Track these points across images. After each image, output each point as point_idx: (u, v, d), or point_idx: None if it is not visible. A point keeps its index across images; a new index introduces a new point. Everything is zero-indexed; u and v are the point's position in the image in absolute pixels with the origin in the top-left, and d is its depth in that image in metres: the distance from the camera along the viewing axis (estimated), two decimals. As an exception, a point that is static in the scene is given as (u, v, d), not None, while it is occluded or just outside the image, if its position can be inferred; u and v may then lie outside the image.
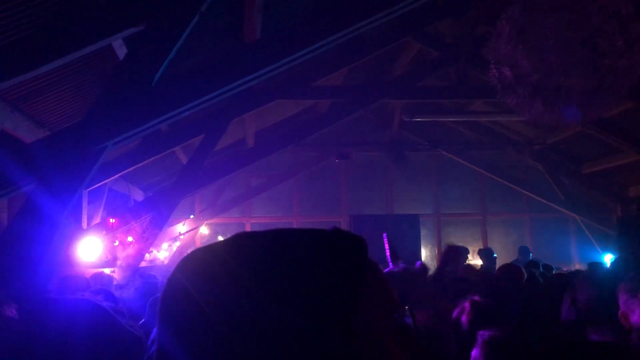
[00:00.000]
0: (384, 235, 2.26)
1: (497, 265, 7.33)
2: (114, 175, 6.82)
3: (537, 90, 4.68)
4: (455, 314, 2.54)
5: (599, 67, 4.74)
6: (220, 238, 11.35)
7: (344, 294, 0.59)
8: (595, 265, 6.29)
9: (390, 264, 2.16)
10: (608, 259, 9.70)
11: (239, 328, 0.57)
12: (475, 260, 9.21)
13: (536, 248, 11.37)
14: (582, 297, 2.74)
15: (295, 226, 11.67)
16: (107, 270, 6.27)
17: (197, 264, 0.64)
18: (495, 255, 7.68)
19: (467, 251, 8.27)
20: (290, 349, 0.56)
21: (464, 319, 2.53)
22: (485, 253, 7.95)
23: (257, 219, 11.76)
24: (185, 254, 0.68)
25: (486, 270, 7.12)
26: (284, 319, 0.57)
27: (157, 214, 7.71)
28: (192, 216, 10.62)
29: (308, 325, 0.57)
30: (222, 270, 0.61)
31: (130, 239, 7.47)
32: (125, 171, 6.93)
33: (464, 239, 11.54)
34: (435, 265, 4.37)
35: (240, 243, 0.65)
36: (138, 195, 8.84)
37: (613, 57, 4.73)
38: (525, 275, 4.05)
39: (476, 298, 2.61)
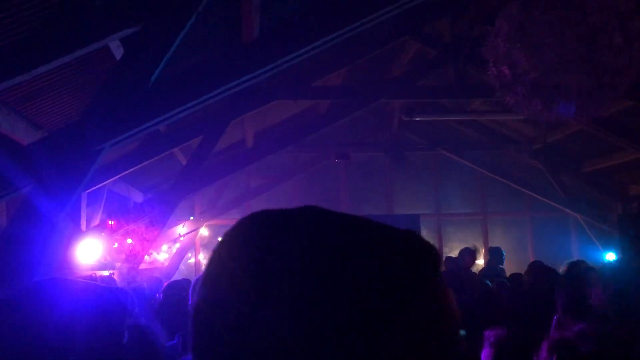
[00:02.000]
0: None
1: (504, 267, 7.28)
2: (113, 177, 6.81)
3: (536, 89, 4.66)
4: None
5: (597, 64, 4.72)
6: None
7: (392, 299, 0.56)
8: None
9: None
10: (609, 257, 9.69)
11: (290, 302, 0.55)
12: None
13: (537, 247, 11.36)
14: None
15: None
16: (105, 273, 6.26)
17: (264, 228, 0.62)
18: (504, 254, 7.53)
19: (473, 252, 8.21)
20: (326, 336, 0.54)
21: None
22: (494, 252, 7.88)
23: (257, 220, 11.73)
24: (253, 213, 0.65)
25: (490, 269, 7.09)
26: (330, 305, 0.55)
27: (156, 215, 7.70)
28: (191, 218, 10.60)
29: (351, 317, 0.55)
30: (288, 240, 0.59)
31: (129, 241, 7.46)
32: (125, 173, 6.92)
33: (464, 238, 11.52)
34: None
35: (313, 218, 0.62)
36: (137, 197, 8.82)
37: (612, 55, 4.71)
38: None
39: None
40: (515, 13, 4.53)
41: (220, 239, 0.65)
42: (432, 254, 0.62)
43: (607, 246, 10.30)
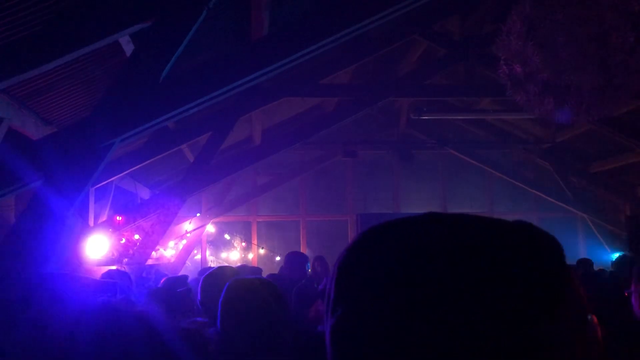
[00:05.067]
0: None
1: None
2: (121, 173, 6.82)
3: (548, 88, 4.63)
4: None
5: (609, 64, 4.69)
6: (227, 237, 11.35)
7: (551, 291, 0.57)
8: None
9: None
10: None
11: (421, 314, 0.54)
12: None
13: (544, 247, 11.30)
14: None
15: (301, 225, 11.68)
16: (114, 269, 6.27)
17: (389, 237, 0.62)
18: None
19: None
20: (480, 342, 0.53)
21: None
22: None
23: (264, 217, 11.76)
24: (372, 227, 0.65)
25: None
26: (476, 312, 0.54)
27: (163, 212, 7.71)
28: (198, 214, 10.62)
29: (506, 321, 0.54)
30: (415, 249, 0.59)
31: (137, 237, 7.47)
32: (132, 169, 6.93)
33: (471, 238, 11.46)
34: None
35: (437, 224, 0.62)
36: (145, 193, 8.84)
37: (624, 54, 4.67)
38: None
39: None
40: (528, 10, 4.50)
41: (345, 253, 0.64)
42: (559, 243, 0.63)
43: (615, 247, 10.24)
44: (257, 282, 2.10)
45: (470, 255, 0.57)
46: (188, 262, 10.59)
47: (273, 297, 2.01)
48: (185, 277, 4.67)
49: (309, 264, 5.50)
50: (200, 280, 2.84)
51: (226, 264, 10.56)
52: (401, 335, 0.55)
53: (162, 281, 4.70)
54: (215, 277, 2.79)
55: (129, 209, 7.64)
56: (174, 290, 3.98)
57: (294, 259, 5.06)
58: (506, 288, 0.55)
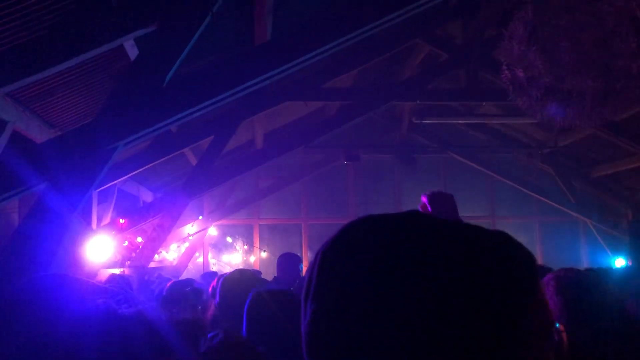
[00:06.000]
0: None
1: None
2: (124, 176, 6.83)
3: (550, 92, 4.64)
4: None
5: (612, 69, 4.70)
6: (229, 239, 11.36)
7: (520, 298, 0.60)
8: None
9: None
10: (619, 263, 9.61)
11: (396, 310, 0.57)
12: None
13: (546, 252, 11.30)
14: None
15: (303, 228, 11.69)
16: (116, 271, 6.28)
17: (371, 232, 0.65)
18: None
19: None
20: (451, 343, 0.56)
21: None
22: None
23: (266, 220, 11.77)
24: (357, 220, 0.67)
25: None
26: (450, 312, 0.56)
27: (166, 215, 7.73)
28: (200, 217, 10.63)
29: (475, 324, 0.56)
30: (396, 246, 0.61)
31: (139, 239, 7.49)
32: (135, 172, 6.95)
33: (473, 242, 11.43)
34: None
35: (418, 223, 0.64)
36: (147, 196, 8.86)
37: (626, 59, 4.68)
38: None
39: None
40: (530, 15, 4.52)
41: (329, 242, 0.67)
42: (532, 256, 0.65)
43: (617, 252, 10.23)
44: (280, 293, 2.34)
45: (447, 258, 0.59)
46: (190, 265, 10.60)
47: (294, 306, 2.22)
48: (191, 280, 4.68)
49: (302, 265, 5.49)
50: (219, 283, 3.09)
51: (229, 267, 10.58)
52: (374, 329, 0.57)
53: (167, 285, 4.70)
54: (234, 280, 3.06)
55: (132, 211, 7.66)
56: (181, 293, 3.99)
57: (286, 261, 5.04)
58: (478, 292, 0.57)
